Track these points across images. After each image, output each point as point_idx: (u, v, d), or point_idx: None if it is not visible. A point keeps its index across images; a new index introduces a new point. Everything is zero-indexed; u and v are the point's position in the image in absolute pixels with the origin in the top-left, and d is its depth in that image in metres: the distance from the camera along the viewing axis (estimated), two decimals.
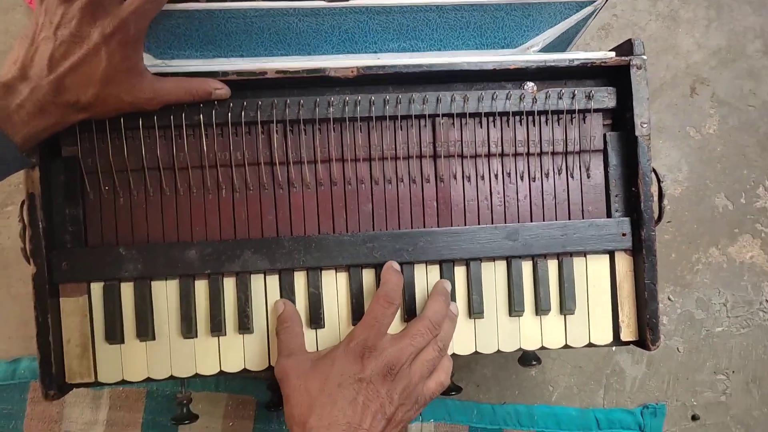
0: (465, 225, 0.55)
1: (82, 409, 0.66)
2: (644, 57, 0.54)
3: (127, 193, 0.51)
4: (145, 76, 0.47)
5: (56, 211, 0.50)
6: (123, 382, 0.51)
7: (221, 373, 0.52)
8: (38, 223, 0.48)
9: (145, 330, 0.51)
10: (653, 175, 0.55)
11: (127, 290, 0.51)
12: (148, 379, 0.51)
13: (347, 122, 0.53)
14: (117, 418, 0.66)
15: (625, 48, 0.55)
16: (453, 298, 0.54)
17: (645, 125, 0.54)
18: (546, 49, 0.61)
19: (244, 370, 0.52)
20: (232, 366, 0.52)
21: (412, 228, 0.54)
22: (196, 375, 0.52)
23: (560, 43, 0.62)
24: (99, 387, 0.65)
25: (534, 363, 0.59)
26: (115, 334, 0.50)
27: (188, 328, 0.51)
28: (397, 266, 0.52)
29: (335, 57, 0.58)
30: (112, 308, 0.50)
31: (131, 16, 0.44)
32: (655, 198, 0.55)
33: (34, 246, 0.48)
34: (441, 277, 0.54)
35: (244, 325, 0.52)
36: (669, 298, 0.77)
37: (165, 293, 0.51)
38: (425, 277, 0.54)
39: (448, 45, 0.59)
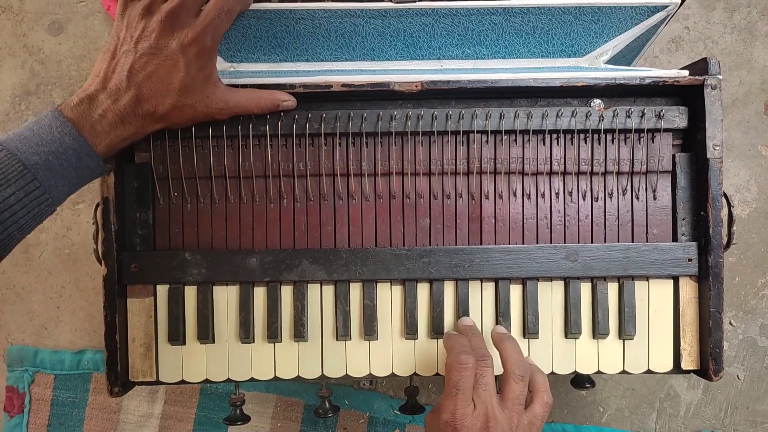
0: (523, 243, 0.54)
1: (139, 402, 0.69)
2: (720, 77, 0.52)
3: (194, 200, 0.53)
4: (219, 86, 0.48)
5: (128, 215, 0.52)
6: (182, 383, 0.53)
7: (276, 379, 0.53)
8: (111, 227, 0.50)
9: (206, 333, 0.52)
10: (723, 200, 0.53)
11: (190, 294, 0.53)
12: (207, 381, 0.53)
13: (409, 136, 0.53)
14: (171, 413, 0.69)
15: (700, 67, 0.53)
16: (507, 318, 0.53)
17: (717, 148, 0.52)
18: (615, 59, 0.59)
19: (298, 377, 0.53)
20: (287, 373, 0.53)
21: (468, 244, 0.54)
22: (252, 379, 0.53)
23: (629, 52, 0.60)
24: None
25: (588, 386, 0.58)
26: (177, 336, 0.52)
27: (246, 334, 0.52)
28: (455, 333, 0.52)
29: (399, 63, 0.58)
30: (176, 310, 0.52)
31: (208, 27, 0.45)
32: (724, 223, 0.53)
33: (106, 248, 0.50)
34: (496, 295, 0.53)
35: (300, 334, 0.53)
36: (731, 323, 0.73)
37: (226, 298, 0.53)
38: (479, 295, 0.54)
39: (513, 52, 0.58)
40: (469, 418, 0.45)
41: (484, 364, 0.48)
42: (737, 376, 0.73)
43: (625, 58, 0.61)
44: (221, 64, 0.56)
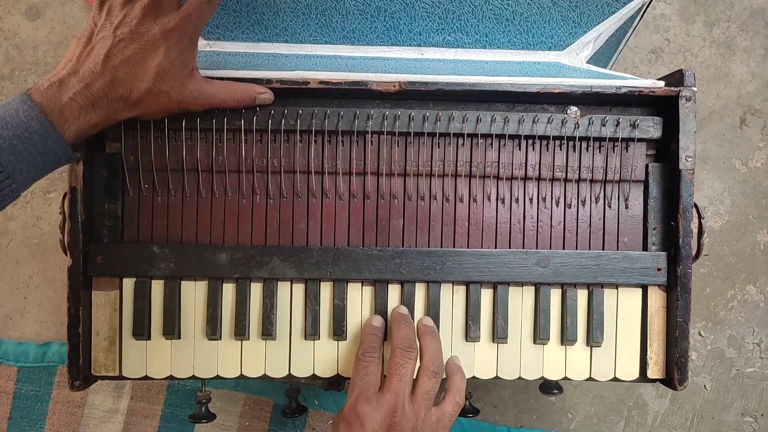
0: (495, 248, 0.54)
1: (104, 397, 0.68)
2: (694, 89, 0.53)
3: (165, 193, 0.52)
4: (195, 76, 0.48)
5: (96, 206, 0.51)
6: (146, 378, 0.52)
7: (242, 377, 0.52)
8: (78, 217, 0.49)
9: (172, 328, 0.51)
10: (694, 211, 0.53)
11: (157, 288, 0.52)
12: (171, 377, 0.52)
13: (385, 136, 0.53)
14: (137, 409, 0.68)
15: (676, 78, 0.54)
16: (477, 321, 0.53)
17: (690, 159, 0.53)
18: (595, 57, 0.59)
19: (264, 376, 0.53)
20: (253, 371, 0.52)
21: (441, 247, 0.54)
22: (217, 377, 0.52)
23: (607, 49, 0.60)
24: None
25: (555, 392, 0.58)
26: (142, 330, 0.51)
27: (213, 330, 0.52)
28: (375, 322, 0.52)
29: (378, 48, 0.58)
30: (142, 305, 0.51)
31: (192, 14, 0.45)
32: (695, 234, 0.53)
33: (72, 239, 0.49)
34: (467, 299, 0.53)
35: (268, 332, 0.52)
36: (700, 334, 0.74)
37: (193, 294, 0.52)
38: (450, 298, 0.54)
39: (494, 41, 0.58)
40: (373, 408, 0.45)
41: (408, 355, 0.48)
42: (704, 386, 0.74)
43: (603, 55, 0.62)
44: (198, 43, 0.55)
